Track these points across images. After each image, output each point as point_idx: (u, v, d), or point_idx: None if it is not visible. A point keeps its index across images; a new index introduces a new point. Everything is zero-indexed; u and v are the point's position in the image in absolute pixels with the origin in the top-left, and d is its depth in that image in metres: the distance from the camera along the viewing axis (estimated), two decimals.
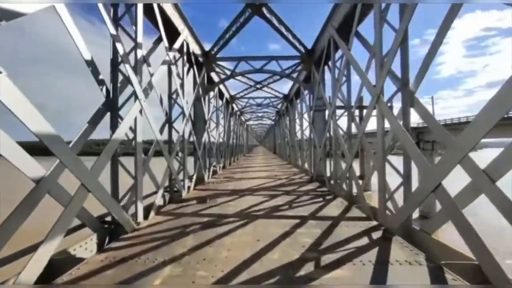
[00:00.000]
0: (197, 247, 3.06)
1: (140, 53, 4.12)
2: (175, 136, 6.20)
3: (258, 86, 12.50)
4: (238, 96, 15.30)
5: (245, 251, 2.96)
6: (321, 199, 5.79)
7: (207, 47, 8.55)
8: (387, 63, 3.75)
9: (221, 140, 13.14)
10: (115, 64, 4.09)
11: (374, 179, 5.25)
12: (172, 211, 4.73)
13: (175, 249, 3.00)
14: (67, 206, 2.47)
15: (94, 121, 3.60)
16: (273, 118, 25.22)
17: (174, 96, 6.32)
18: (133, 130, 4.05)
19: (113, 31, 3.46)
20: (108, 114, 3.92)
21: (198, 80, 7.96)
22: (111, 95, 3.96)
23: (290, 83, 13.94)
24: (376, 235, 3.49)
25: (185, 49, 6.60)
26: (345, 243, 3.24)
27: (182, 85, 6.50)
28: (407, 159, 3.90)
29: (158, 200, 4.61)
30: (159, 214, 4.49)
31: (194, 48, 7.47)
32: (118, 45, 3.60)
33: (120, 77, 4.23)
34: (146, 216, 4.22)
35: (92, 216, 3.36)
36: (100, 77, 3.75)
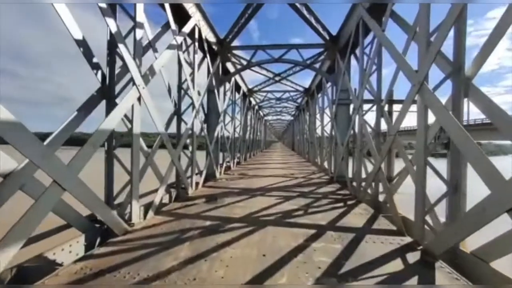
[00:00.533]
0: (190, 260, 2.57)
1: (140, 33, 3.66)
2: (184, 130, 5.78)
3: (277, 78, 11.77)
4: (256, 89, 14.65)
5: (246, 269, 2.43)
6: (341, 204, 5.09)
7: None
8: (437, 43, 2.95)
9: (236, 134, 12.66)
10: (112, 46, 3.65)
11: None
12: (174, 210, 4.30)
13: (164, 262, 2.53)
14: (31, 208, 2.06)
15: (86, 110, 3.21)
16: (293, 113, 24.32)
17: (184, 86, 5.87)
18: (130, 120, 3.63)
19: (101, 3, 2.96)
20: (104, 102, 3.54)
21: (211, 69, 7.47)
22: (107, 81, 3.56)
23: (312, 76, 13.07)
24: (412, 257, 2.80)
25: (196, 35, 6.10)
26: (373, 266, 2.60)
27: (192, 74, 6.03)
28: (456, 163, 3.13)
29: (158, 198, 4.18)
30: (159, 214, 4.07)
31: (208, 35, 6.95)
32: (110, 21, 3.11)
33: (120, 63, 3.83)
34: (146, 215, 3.84)
35: (79, 215, 2.99)
36: (95, 60, 3.35)
